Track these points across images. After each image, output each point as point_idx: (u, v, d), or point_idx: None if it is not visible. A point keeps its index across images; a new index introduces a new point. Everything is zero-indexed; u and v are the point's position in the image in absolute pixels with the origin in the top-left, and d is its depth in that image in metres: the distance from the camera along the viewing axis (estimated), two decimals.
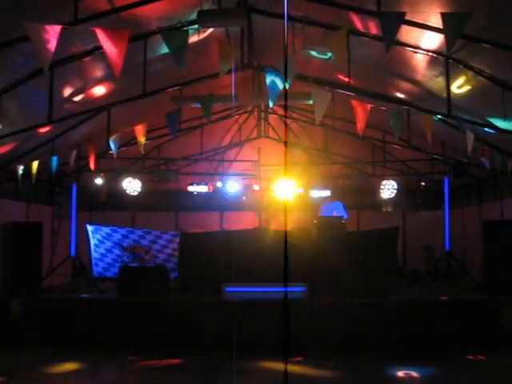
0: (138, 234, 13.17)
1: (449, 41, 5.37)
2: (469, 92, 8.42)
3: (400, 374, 7.57)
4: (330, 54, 8.47)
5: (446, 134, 10.33)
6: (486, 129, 8.89)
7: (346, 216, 12.12)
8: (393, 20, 5.61)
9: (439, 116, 8.57)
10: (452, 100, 7.98)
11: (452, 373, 7.60)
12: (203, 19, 6.60)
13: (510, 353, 8.39)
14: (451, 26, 5.31)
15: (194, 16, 7.36)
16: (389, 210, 16.37)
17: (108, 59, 5.61)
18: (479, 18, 5.60)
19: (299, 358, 8.21)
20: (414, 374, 7.50)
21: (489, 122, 8.87)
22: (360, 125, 7.81)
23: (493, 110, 8.37)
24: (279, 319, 8.90)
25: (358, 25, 7.57)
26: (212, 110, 8.83)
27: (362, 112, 7.75)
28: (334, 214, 12.16)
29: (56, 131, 10.18)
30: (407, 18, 5.79)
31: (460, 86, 8.31)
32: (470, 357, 8.22)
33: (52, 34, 5.27)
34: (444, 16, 5.35)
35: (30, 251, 10.51)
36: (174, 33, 6.84)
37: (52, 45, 5.28)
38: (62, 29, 5.36)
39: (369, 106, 7.74)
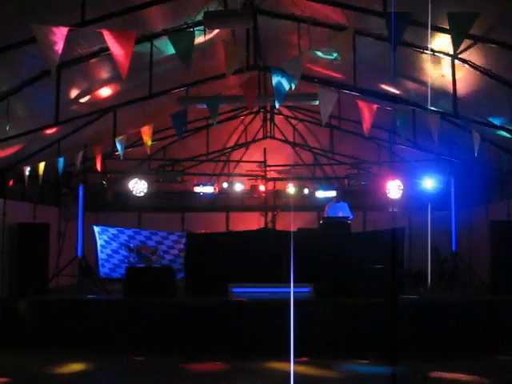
0: (145, 235, 13.17)
1: (455, 41, 5.36)
2: (475, 92, 8.40)
3: (406, 374, 7.55)
4: (335, 55, 8.47)
5: (452, 134, 10.31)
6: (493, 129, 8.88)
7: (351, 216, 12.14)
8: (399, 20, 5.60)
9: (445, 116, 8.55)
10: (458, 100, 7.97)
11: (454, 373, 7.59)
12: (209, 20, 6.61)
13: None
14: (457, 26, 5.29)
15: (200, 17, 7.39)
16: (395, 210, 16.32)
17: (115, 61, 5.63)
18: (485, 17, 5.59)
19: (305, 359, 8.20)
20: (418, 374, 7.50)
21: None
22: (366, 125, 7.80)
23: (499, 109, 8.35)
24: (286, 319, 8.94)
25: (364, 25, 7.56)
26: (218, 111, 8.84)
27: (367, 112, 7.73)
28: (340, 214, 12.18)
29: (62, 132, 10.22)
30: (413, 17, 5.78)
31: (466, 85, 8.29)
32: (473, 358, 8.20)
33: (59, 35, 5.28)
34: (450, 16, 5.34)
35: (37, 252, 10.54)
36: (180, 34, 6.86)
37: (59, 47, 5.28)
38: (69, 31, 5.38)
39: (375, 106, 7.73)
